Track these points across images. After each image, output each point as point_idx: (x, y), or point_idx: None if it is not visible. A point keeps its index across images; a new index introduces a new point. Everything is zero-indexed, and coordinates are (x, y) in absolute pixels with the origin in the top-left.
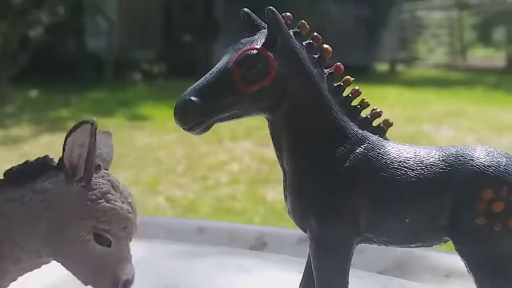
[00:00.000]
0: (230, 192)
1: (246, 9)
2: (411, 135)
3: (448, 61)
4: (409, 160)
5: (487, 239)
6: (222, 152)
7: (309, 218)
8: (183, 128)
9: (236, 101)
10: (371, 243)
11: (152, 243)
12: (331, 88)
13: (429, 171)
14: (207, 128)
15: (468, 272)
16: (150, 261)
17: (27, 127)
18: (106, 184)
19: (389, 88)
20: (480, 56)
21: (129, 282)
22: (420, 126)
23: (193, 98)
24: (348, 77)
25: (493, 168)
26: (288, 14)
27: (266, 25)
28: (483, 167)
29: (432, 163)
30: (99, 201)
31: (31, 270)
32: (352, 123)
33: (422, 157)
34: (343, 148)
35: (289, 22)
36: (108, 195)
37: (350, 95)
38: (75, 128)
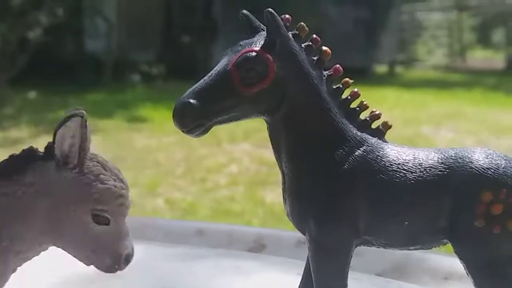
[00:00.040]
0: (229, 194)
1: (245, 11)
2: (410, 137)
3: (447, 62)
4: (408, 163)
5: (486, 242)
6: (221, 154)
7: (308, 221)
8: (182, 131)
9: (235, 103)
10: (370, 246)
11: (151, 245)
12: (330, 90)
13: (428, 173)
14: (206, 131)
15: (467, 274)
16: (148, 263)
17: (26, 129)
18: (97, 165)
19: (388, 90)
20: (479, 57)
21: (130, 255)
22: (419, 128)
23: (192, 101)
24: (347, 79)
25: (492, 170)
26: (287, 16)
27: (265, 27)
28: (482, 170)
29: (431, 165)
30: (94, 183)
31: (30, 259)
32: (351, 125)
33: (421, 159)
34: (342, 150)
35: (288, 24)
36: (101, 176)
37: (349, 97)
38: (64, 121)
